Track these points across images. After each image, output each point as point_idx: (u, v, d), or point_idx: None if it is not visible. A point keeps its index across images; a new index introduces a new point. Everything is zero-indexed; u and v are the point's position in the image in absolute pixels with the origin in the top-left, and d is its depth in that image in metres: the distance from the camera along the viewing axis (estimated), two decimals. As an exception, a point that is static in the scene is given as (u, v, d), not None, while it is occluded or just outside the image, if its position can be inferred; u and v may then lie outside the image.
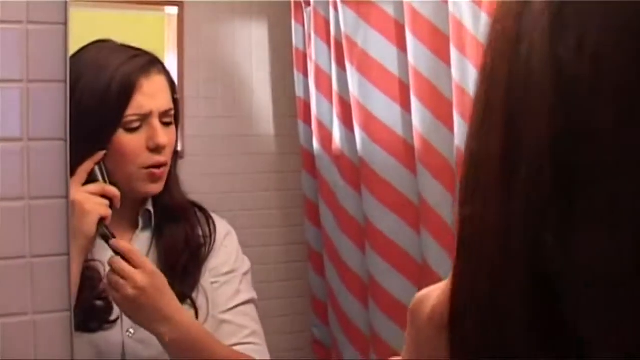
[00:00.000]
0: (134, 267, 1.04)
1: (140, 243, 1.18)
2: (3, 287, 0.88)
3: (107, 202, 1.10)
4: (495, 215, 0.30)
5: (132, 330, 1.12)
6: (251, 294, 1.23)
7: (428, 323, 0.37)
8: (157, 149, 1.15)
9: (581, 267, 0.28)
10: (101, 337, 1.11)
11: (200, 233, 1.21)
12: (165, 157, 1.16)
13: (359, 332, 1.57)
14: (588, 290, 0.28)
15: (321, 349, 1.75)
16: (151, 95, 1.15)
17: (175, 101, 1.21)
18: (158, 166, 1.16)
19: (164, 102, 1.17)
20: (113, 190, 1.11)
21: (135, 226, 1.19)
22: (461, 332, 0.33)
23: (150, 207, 1.19)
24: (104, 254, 1.14)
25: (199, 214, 1.23)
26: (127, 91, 1.13)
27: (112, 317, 1.11)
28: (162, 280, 1.06)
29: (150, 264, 1.07)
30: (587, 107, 0.27)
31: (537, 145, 0.28)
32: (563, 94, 0.28)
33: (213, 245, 1.21)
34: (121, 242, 1.08)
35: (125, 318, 1.12)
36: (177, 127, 1.22)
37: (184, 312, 1.09)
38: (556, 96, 0.28)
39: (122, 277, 1.03)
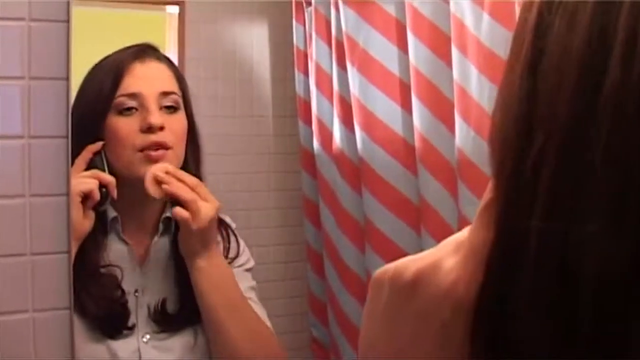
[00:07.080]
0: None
1: (159, 248, 1.17)
2: (3, 284, 0.88)
3: (93, 181, 1.08)
4: None
5: (147, 336, 1.12)
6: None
7: (411, 288, 0.38)
8: (150, 129, 1.12)
9: None
10: (119, 344, 1.10)
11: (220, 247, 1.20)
12: (160, 138, 1.12)
13: (358, 332, 1.57)
14: None
15: (320, 348, 1.75)
16: (143, 78, 1.14)
17: (183, 90, 1.19)
18: (154, 148, 1.12)
19: (160, 85, 1.15)
20: (106, 177, 1.10)
21: (155, 232, 1.18)
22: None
23: (170, 214, 1.17)
24: (121, 259, 1.14)
25: (222, 229, 1.21)
26: (117, 73, 1.12)
27: (130, 324, 1.11)
28: None
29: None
30: None
31: None
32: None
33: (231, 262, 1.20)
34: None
35: (140, 324, 1.12)
36: (190, 119, 1.20)
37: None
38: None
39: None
